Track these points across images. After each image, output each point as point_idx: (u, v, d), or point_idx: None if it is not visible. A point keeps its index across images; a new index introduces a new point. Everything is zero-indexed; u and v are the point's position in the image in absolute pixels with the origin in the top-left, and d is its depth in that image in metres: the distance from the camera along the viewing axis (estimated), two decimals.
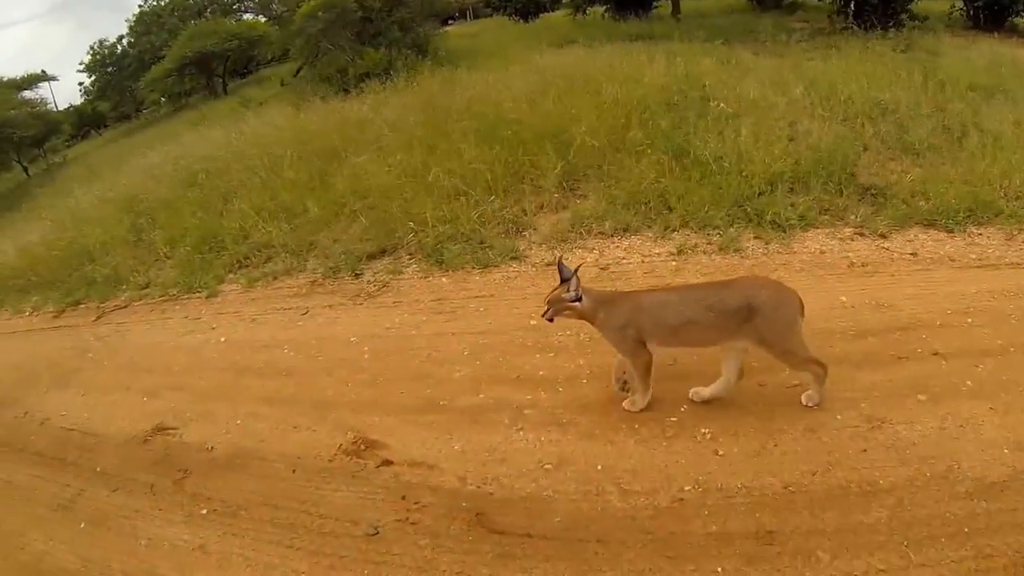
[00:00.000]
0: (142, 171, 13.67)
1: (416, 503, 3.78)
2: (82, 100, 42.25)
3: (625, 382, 4.09)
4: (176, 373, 6.26)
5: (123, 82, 40.14)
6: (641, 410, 3.97)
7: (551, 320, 3.79)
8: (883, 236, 6.13)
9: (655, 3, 23.28)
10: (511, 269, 6.63)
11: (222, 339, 6.72)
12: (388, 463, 4.15)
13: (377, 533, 3.65)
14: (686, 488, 3.48)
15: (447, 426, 4.38)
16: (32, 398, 6.62)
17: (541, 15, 29.22)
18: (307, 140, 11.06)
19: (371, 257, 7.47)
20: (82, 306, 8.85)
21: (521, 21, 28.86)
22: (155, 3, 40.62)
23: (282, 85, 21.93)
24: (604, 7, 23.59)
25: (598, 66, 11.52)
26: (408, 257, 7.28)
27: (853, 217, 6.39)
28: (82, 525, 4.53)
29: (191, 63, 30.99)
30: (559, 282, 3.70)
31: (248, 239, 8.45)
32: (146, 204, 10.78)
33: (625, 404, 4.02)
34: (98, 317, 8.26)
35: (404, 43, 18.01)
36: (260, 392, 5.56)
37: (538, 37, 18.40)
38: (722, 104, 8.62)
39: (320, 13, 18.11)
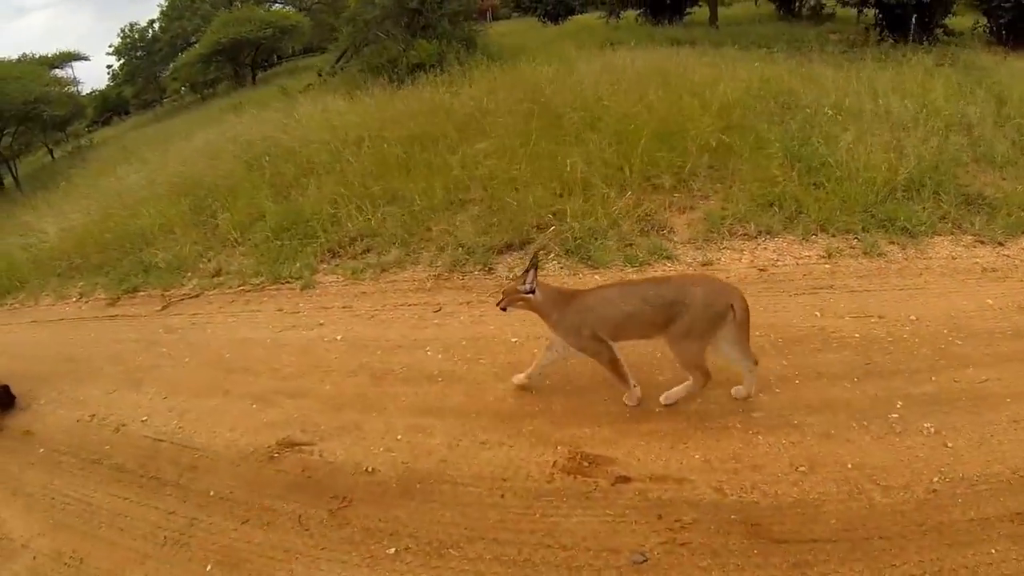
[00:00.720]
0: (192, 154, 12.93)
1: (678, 521, 3.41)
2: (108, 84, 41.83)
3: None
4: (288, 376, 5.38)
5: (152, 67, 40.18)
6: (636, 404, 4.08)
7: (504, 309, 3.94)
8: (1000, 244, 6.09)
9: (688, 9, 23.11)
10: (666, 268, 6.11)
11: (338, 337, 5.81)
12: (625, 479, 3.66)
13: (646, 560, 3.23)
14: (935, 480, 3.49)
15: (675, 435, 3.94)
16: (96, 398, 5.78)
17: (569, 17, 28.87)
18: (385, 126, 10.25)
19: (499, 251, 6.71)
20: (141, 294, 8.02)
21: (550, 23, 28.51)
22: None
23: (320, 75, 21.05)
24: (637, 11, 23.38)
25: (670, 68, 11.06)
26: (541, 252, 6.45)
27: (969, 225, 6.34)
28: (209, 568, 3.66)
29: (223, 50, 30.79)
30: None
31: (340, 226, 7.62)
32: (206, 187, 10.02)
33: (625, 398, 4.09)
34: (164, 307, 7.43)
35: (454, 36, 17.61)
36: (414, 401, 4.72)
37: (577, 38, 18.05)
38: (828, 110, 8.34)
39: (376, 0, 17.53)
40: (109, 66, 41.45)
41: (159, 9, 39.97)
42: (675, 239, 6.53)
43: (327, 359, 5.46)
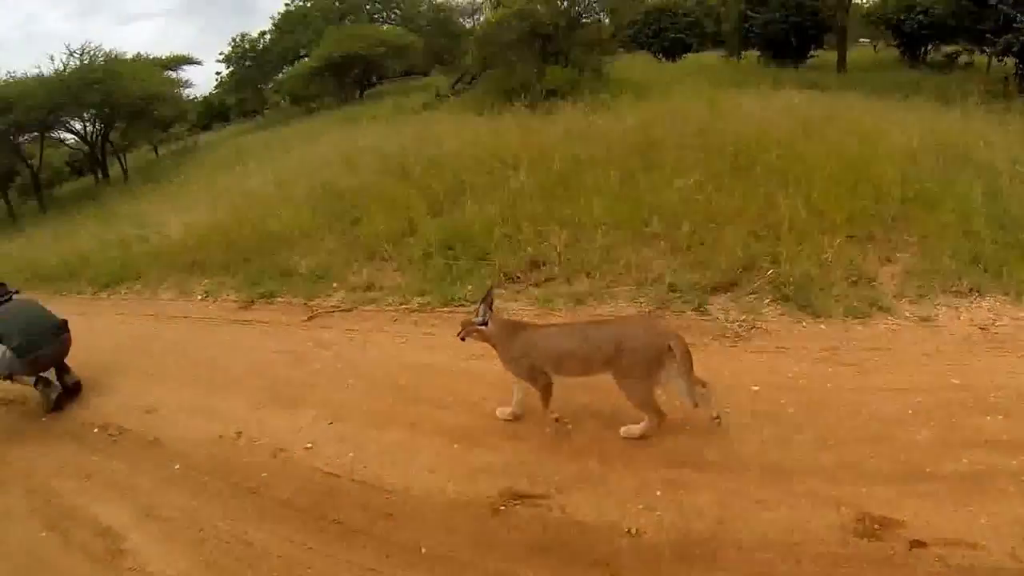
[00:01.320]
0: (318, 161, 12.50)
1: None
2: (213, 91, 42.53)
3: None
4: (492, 413, 4.54)
5: (261, 77, 40.99)
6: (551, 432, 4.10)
7: (463, 339, 4.08)
8: None
9: (812, 53, 22.99)
10: (890, 321, 5.39)
11: None
12: (920, 544, 3.22)
13: None
14: None
15: (955, 496, 3.46)
16: (239, 413, 5.15)
17: (685, 55, 28.79)
18: (541, 150, 9.58)
19: (707, 290, 5.93)
20: (280, 300, 7.45)
21: (666, 60, 28.28)
22: (301, 3, 40.66)
23: (438, 95, 20.77)
24: (759, 52, 23.35)
25: (832, 113, 10.31)
26: (750, 296, 5.78)
27: None
28: None
29: (334, 65, 31.04)
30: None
31: (517, 249, 6.90)
32: (344, 195, 9.58)
33: (546, 426, 4.13)
34: (310, 317, 6.80)
35: (586, 65, 17.69)
36: (662, 452, 3.93)
37: (703, 76, 17.52)
38: (1020, 167, 7.54)
39: (513, 22, 17.21)
40: (218, 73, 41.87)
41: (271, 22, 40.85)
42: (885, 291, 5.82)
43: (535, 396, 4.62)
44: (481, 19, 32.93)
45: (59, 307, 8.99)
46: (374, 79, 35.53)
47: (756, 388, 4.41)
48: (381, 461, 4.20)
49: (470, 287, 6.51)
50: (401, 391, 4.99)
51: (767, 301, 5.68)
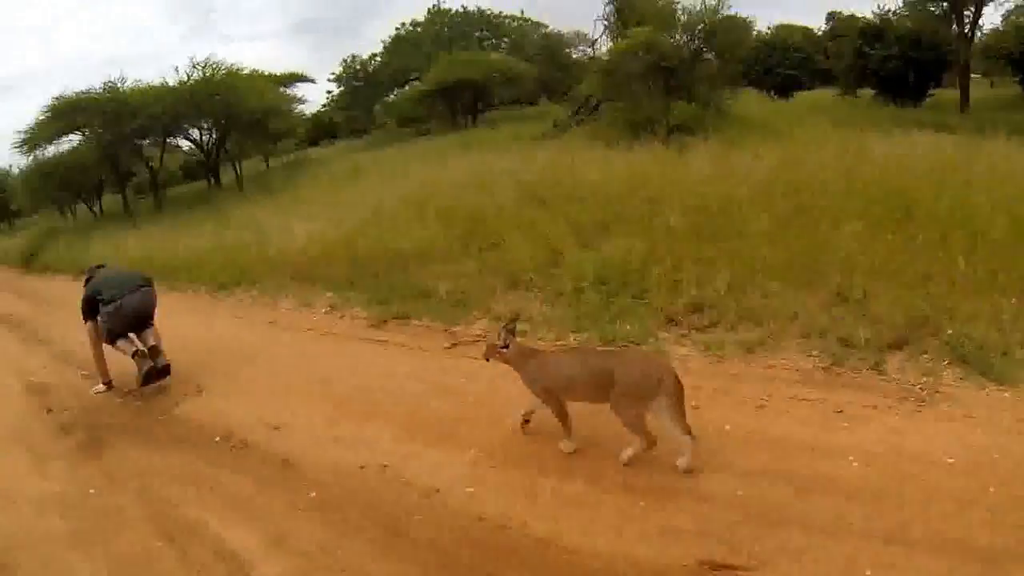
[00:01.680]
0: (446, 181, 12.17)
1: None
2: (321, 108, 43.21)
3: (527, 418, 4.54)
4: (674, 468, 3.98)
5: (371, 98, 42.06)
6: (569, 451, 4.22)
7: (488, 360, 4.39)
8: None
9: (930, 91, 22.18)
10: None
11: (726, 427, 4.39)
12: None
13: None
14: None
15: None
16: (381, 443, 4.74)
17: (797, 92, 28.00)
18: (682, 184, 9.08)
19: (883, 348, 5.29)
20: (415, 323, 7.10)
21: (776, 97, 27.47)
22: (412, 29, 41.13)
23: (555, 125, 20.46)
24: (875, 90, 22.60)
25: (959, 157, 9.36)
26: (925, 356, 5.14)
27: None
28: None
29: (446, 90, 31.32)
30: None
31: (678, 290, 6.36)
32: (479, 217, 9.19)
33: (561, 446, 4.25)
34: (452, 345, 6.41)
35: (710, 101, 17.29)
36: (864, 526, 3.33)
37: (818, 114, 16.97)
38: None
39: (640, 53, 16.76)
40: (329, 92, 42.95)
41: (382, 45, 42.39)
42: None
43: (720, 452, 4.07)
44: (592, 50, 32.77)
45: (175, 303, 9.35)
46: (480, 106, 35.39)
47: (950, 461, 3.82)
48: (558, 516, 3.68)
49: (628, 327, 6.00)
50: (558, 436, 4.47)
51: (945, 363, 5.05)
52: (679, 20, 17.71)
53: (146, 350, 6.24)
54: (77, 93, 19.24)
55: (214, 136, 23.10)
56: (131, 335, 6.34)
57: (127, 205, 23.14)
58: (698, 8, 17.30)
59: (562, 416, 4.19)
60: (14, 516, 4.59)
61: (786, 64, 28.41)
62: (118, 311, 6.14)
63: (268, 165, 29.86)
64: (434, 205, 10.01)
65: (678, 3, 17.81)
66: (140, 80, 20.19)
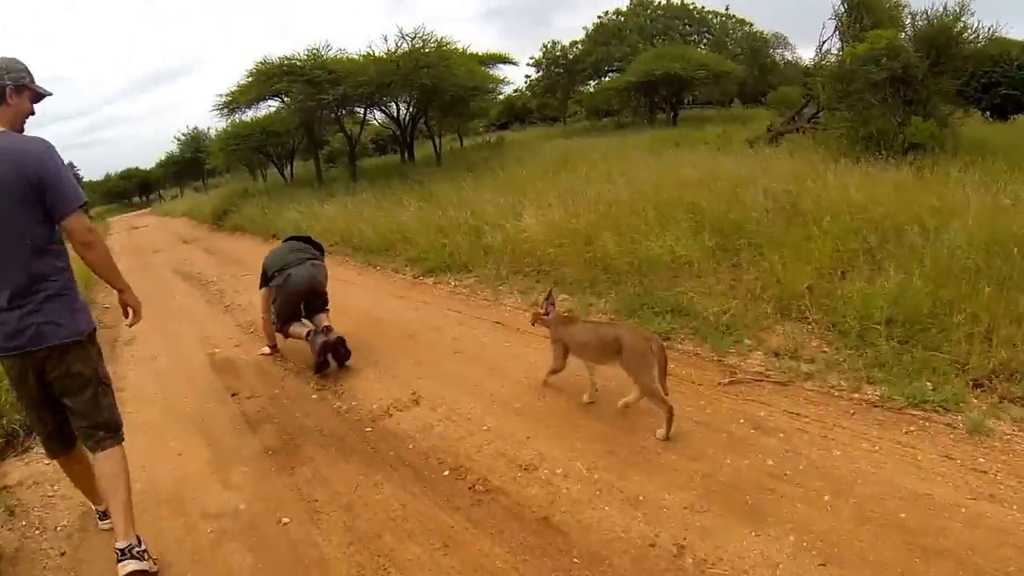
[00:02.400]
0: (673, 181, 10.61)
1: None
2: (515, 92, 42.72)
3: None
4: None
5: (569, 85, 41.36)
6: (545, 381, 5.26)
7: (533, 324, 5.49)
8: None
9: None
10: None
11: None
12: None
13: None
14: None
15: None
16: (674, 514, 3.55)
17: (1016, 115, 23.80)
18: (951, 212, 7.15)
19: None
20: (680, 347, 5.81)
21: (995, 119, 23.69)
22: (614, 17, 40.11)
23: (769, 131, 18.71)
24: None
25: None
26: None
27: None
28: None
29: (650, 83, 30.37)
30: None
31: (982, 345, 4.83)
32: (730, 229, 7.86)
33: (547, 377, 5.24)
34: (731, 382, 5.05)
35: (948, 118, 14.81)
36: None
37: None
38: None
39: (883, 59, 14.66)
40: (527, 76, 42.24)
41: (584, 32, 41.43)
42: None
43: None
44: (819, 53, 30.90)
45: (377, 283, 9.34)
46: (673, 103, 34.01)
47: None
48: None
49: (930, 385, 4.57)
50: (910, 537, 3.16)
51: None
52: (914, 25, 15.48)
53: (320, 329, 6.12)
54: (280, 58, 19.06)
55: (411, 110, 22.64)
56: (303, 319, 6.29)
57: (320, 172, 23.12)
58: (934, 13, 15.01)
59: (553, 372, 5.13)
60: (185, 532, 3.87)
61: (1010, 82, 25.10)
62: (284, 285, 6.13)
63: (462, 143, 30.01)
64: (672, 206, 8.77)
65: (906, 5, 15.56)
66: (343, 49, 19.89)
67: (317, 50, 18.94)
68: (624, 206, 9.02)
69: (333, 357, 6.05)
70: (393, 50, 18.63)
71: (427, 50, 18.42)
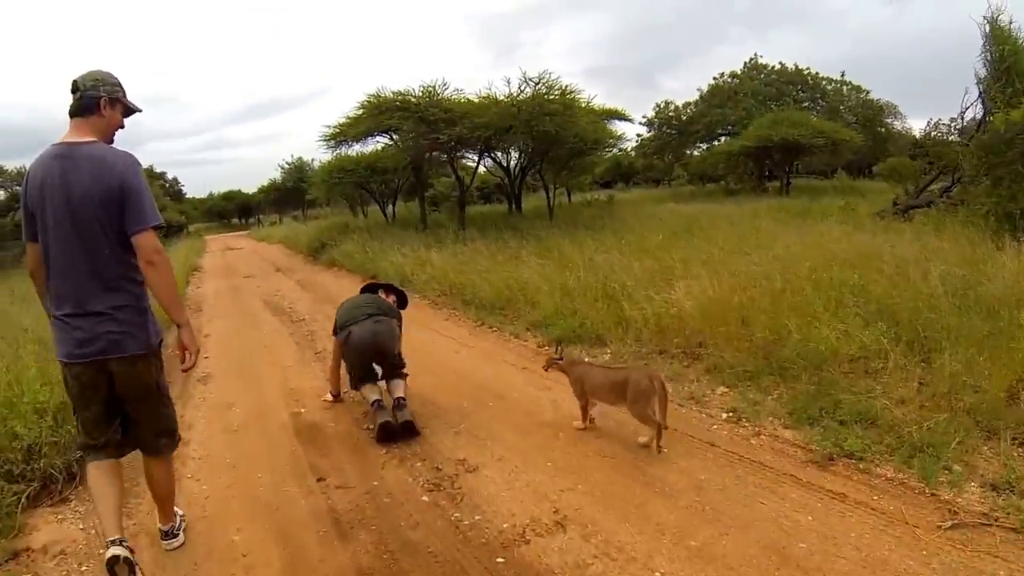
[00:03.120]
0: (821, 256, 9.20)
1: None
2: (618, 151, 41.80)
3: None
4: None
5: (679, 147, 40.69)
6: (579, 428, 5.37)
7: (547, 370, 5.74)
8: None
9: None
10: None
11: None
12: None
13: None
14: None
15: None
16: None
17: None
18: None
19: None
20: (879, 470, 4.43)
21: None
22: (729, 80, 39.54)
23: (895, 205, 17.19)
24: None
25: None
26: None
27: None
28: None
29: (765, 149, 29.29)
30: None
31: None
32: (906, 317, 6.46)
33: (574, 424, 5.46)
34: (953, 525, 3.73)
35: None
36: None
37: None
38: None
39: None
40: (638, 135, 41.53)
41: (698, 93, 40.52)
42: None
43: None
44: (959, 120, 29.52)
45: (493, 348, 8.39)
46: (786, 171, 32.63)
47: None
48: None
49: None
50: None
51: None
52: None
53: (389, 402, 5.70)
54: (394, 92, 17.97)
55: (523, 159, 21.58)
56: (380, 383, 5.80)
57: (424, 215, 21.95)
58: None
59: (584, 408, 5.38)
60: None
61: None
62: (347, 343, 5.82)
63: (570, 198, 29.18)
64: (831, 286, 7.44)
65: None
66: (460, 90, 18.83)
67: (433, 88, 17.82)
68: (773, 283, 7.75)
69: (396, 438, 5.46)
70: (515, 94, 17.38)
71: (551, 96, 17.05)
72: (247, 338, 9.65)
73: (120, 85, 3.34)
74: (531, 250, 12.62)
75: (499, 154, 21.41)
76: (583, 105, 18.51)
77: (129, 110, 3.41)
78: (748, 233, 12.73)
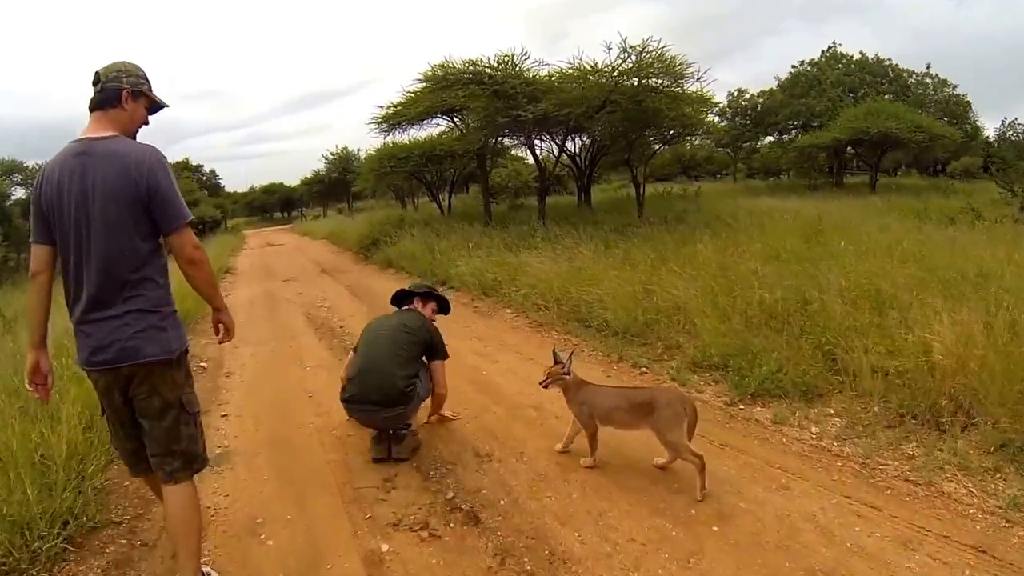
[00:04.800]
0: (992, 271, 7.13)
1: None
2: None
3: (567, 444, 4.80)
4: None
5: (753, 137, 38.52)
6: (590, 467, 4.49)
7: (546, 387, 4.68)
8: None
9: None
10: None
11: None
12: None
13: None
14: None
15: None
16: None
17: None
18: None
19: None
20: None
21: None
22: (808, 69, 36.93)
23: (1021, 210, 15.61)
24: None
25: None
26: None
27: None
28: None
29: (856, 142, 27.53)
30: (554, 363, 4.60)
31: None
32: None
33: (582, 462, 4.57)
34: None
35: None
36: None
37: None
38: None
39: None
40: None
41: (776, 81, 38.07)
42: None
43: None
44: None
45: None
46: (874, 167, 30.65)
47: None
48: None
49: None
50: None
51: None
52: None
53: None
54: (466, 61, 14.60)
55: (597, 145, 18.52)
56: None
57: (488, 207, 19.27)
58: None
59: (593, 438, 4.55)
60: None
61: None
62: (342, 393, 4.82)
63: (640, 193, 25.58)
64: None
65: None
66: (541, 61, 15.54)
67: (510, 57, 14.51)
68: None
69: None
70: (615, 63, 13.67)
71: (656, 68, 13.51)
72: (283, 379, 7.00)
73: (146, 78, 3.11)
74: (647, 252, 9.71)
75: (584, 136, 18.26)
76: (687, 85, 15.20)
77: (156, 105, 3.18)
78: (879, 238, 9.92)
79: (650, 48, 13.26)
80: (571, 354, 4.71)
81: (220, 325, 3.36)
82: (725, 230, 11.94)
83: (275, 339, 8.68)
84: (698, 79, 14.20)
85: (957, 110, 37.26)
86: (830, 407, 5.12)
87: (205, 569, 3.32)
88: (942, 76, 37.87)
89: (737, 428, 5.00)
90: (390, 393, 4.57)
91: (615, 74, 13.40)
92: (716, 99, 20.19)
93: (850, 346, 5.43)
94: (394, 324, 4.99)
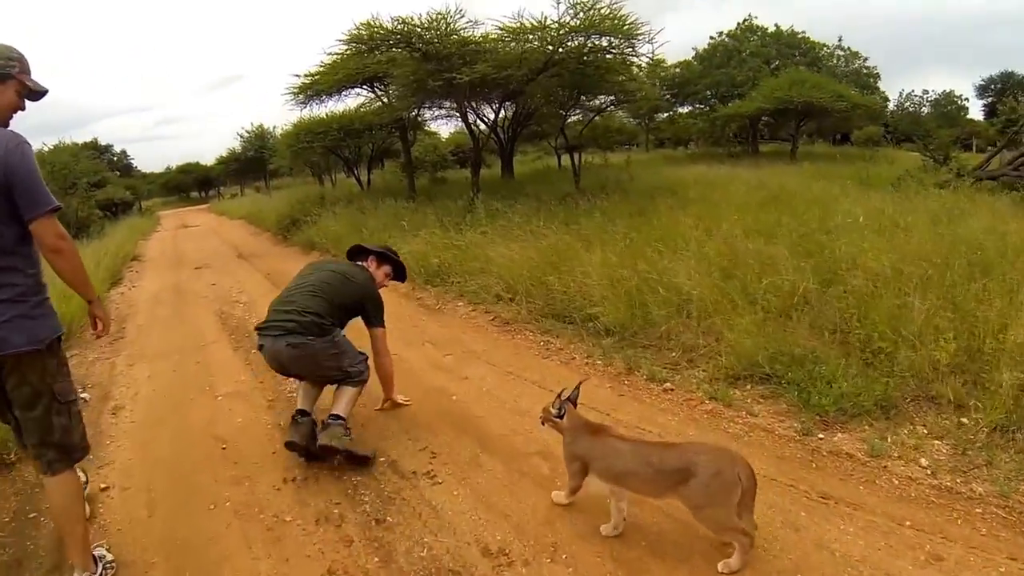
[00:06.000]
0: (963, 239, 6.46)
1: None
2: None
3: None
4: None
5: (672, 106, 38.39)
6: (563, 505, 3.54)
7: (543, 424, 3.70)
8: None
9: None
10: None
11: None
12: None
13: None
14: None
15: None
16: None
17: None
18: None
19: None
20: None
21: None
22: (726, 40, 37.16)
23: (959, 175, 14.50)
24: None
25: None
26: None
27: None
28: None
29: (784, 111, 27.12)
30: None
31: None
32: None
33: (554, 496, 3.62)
34: None
35: None
36: None
37: None
38: None
39: None
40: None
41: (693, 52, 37.89)
42: None
43: None
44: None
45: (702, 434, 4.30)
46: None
47: None
48: None
49: None
50: None
51: None
52: None
53: (317, 421, 4.18)
54: (394, 20, 12.28)
55: (521, 113, 17.03)
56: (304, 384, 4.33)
57: (412, 182, 17.98)
58: None
59: (575, 488, 3.49)
60: None
61: None
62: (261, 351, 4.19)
63: (573, 161, 24.36)
64: None
65: None
66: (475, 21, 13.43)
67: (444, 16, 12.29)
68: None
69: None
70: (560, 21, 11.68)
71: (607, 25, 11.59)
72: (187, 418, 5.10)
73: (19, 60, 2.81)
74: (615, 228, 8.25)
75: (485, 111, 16.91)
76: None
77: (31, 91, 2.89)
78: (844, 206, 8.99)
79: (600, 5, 11.53)
80: (579, 384, 3.61)
81: (95, 319, 3.20)
82: (681, 201, 10.55)
83: (180, 351, 6.82)
84: (649, 40, 12.63)
85: (868, 81, 38.01)
86: (919, 425, 3.86)
87: (98, 552, 3.14)
88: (853, 48, 38.47)
89: (827, 468, 3.64)
90: (299, 320, 4.00)
91: (562, 31, 11.58)
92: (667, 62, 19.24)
93: (920, 340, 4.26)
94: (332, 268, 4.52)
